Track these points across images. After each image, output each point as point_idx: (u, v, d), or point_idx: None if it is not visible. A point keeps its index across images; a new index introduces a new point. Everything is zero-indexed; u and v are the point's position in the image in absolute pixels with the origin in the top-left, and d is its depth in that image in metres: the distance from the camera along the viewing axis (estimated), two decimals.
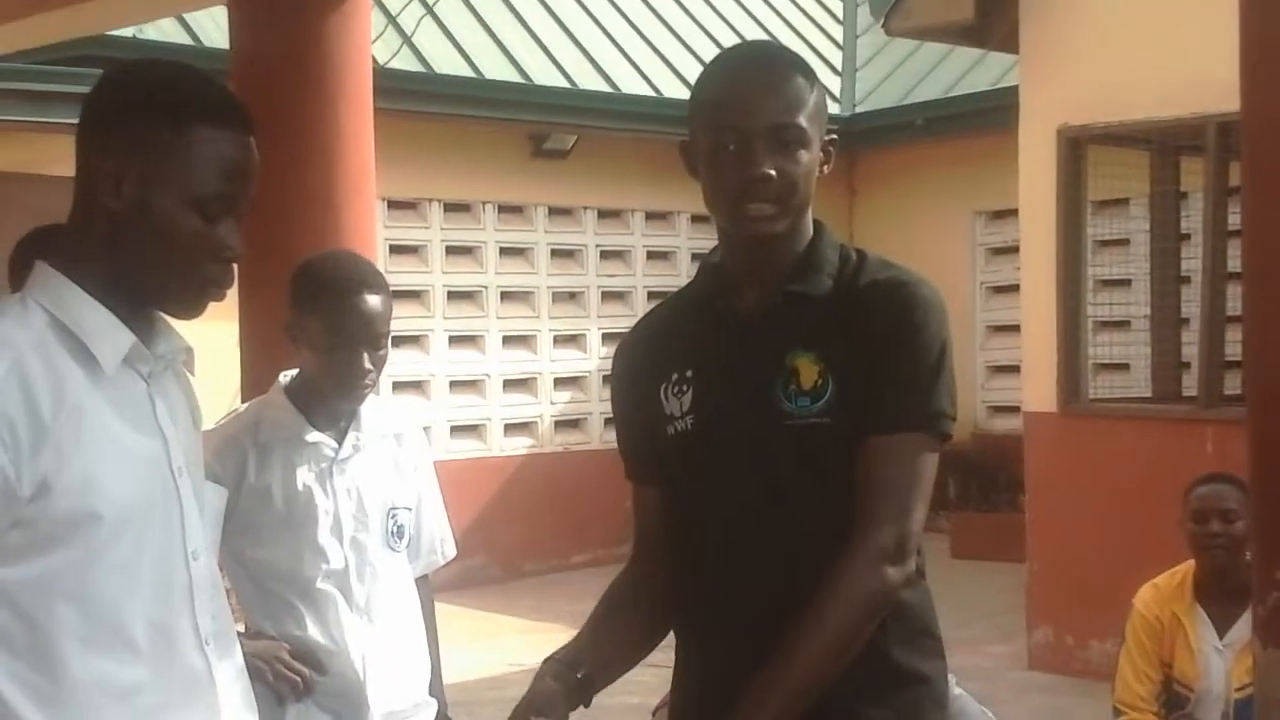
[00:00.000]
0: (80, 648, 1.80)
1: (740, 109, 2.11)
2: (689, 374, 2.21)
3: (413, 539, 3.18)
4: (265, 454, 3.03)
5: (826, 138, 2.18)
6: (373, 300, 2.97)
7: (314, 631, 3.02)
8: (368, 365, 2.98)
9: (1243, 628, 4.06)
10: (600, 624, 2.26)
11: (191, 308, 1.91)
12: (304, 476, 3.03)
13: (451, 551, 3.30)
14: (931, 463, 2.12)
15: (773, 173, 2.09)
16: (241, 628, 2.97)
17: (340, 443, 3.06)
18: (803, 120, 2.12)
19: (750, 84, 2.14)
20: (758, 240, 2.15)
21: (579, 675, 2.17)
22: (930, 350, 2.12)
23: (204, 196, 1.85)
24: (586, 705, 2.21)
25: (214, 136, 1.85)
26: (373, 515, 3.07)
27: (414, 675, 3.15)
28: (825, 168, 2.19)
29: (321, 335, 2.97)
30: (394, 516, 3.11)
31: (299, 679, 2.96)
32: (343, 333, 2.95)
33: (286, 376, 3.12)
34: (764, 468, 2.14)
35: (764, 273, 2.18)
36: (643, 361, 2.29)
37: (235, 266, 1.92)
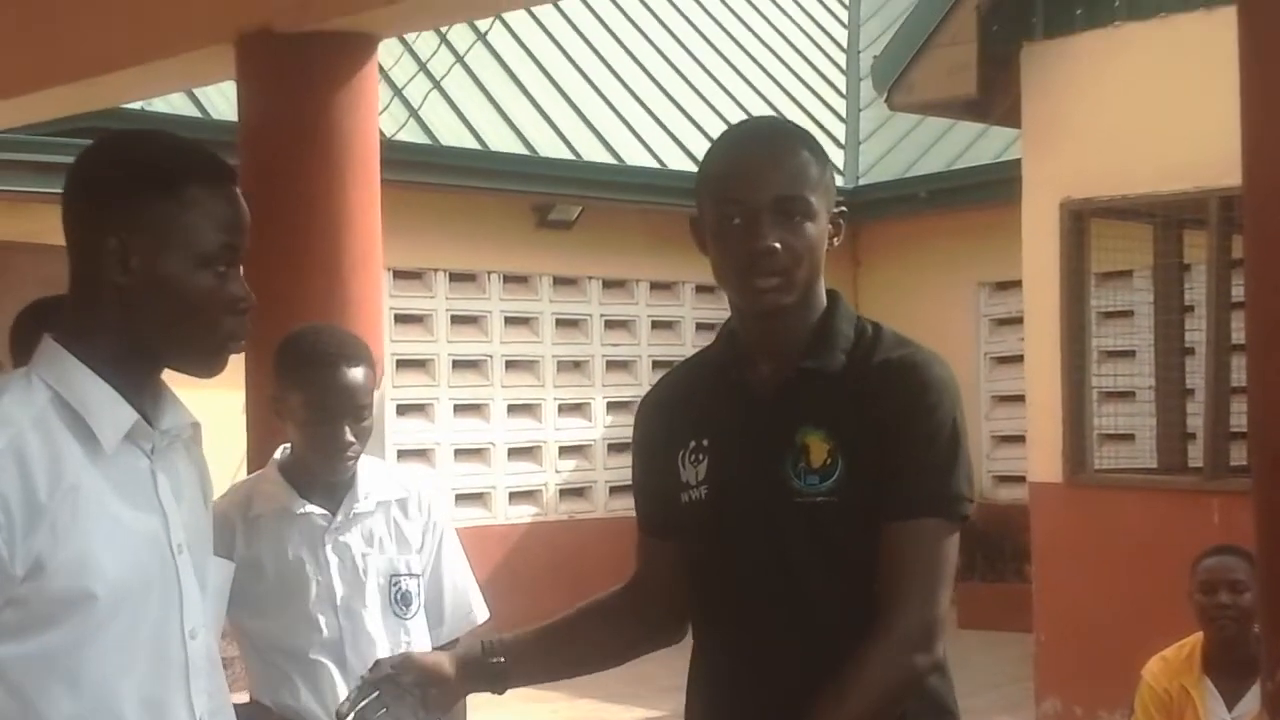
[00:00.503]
0: None
1: (745, 183, 2.13)
2: (705, 443, 2.22)
3: (432, 606, 3.16)
4: (254, 527, 3.03)
5: (835, 210, 2.18)
6: (353, 373, 2.97)
7: (309, 702, 3.00)
8: (350, 438, 2.98)
9: (1251, 701, 4.03)
10: (556, 627, 2.33)
11: (214, 365, 1.92)
12: (295, 548, 3.03)
13: (482, 615, 3.24)
14: (953, 546, 2.12)
15: (778, 245, 2.10)
16: (246, 697, 2.96)
17: (335, 512, 3.06)
18: (807, 193, 2.13)
19: (755, 158, 2.15)
20: (767, 313, 2.16)
21: (493, 661, 2.24)
22: (943, 433, 2.11)
23: (211, 253, 1.87)
24: (498, 693, 2.27)
25: (207, 194, 1.88)
26: (370, 583, 3.05)
27: None
28: (835, 240, 2.19)
29: (303, 410, 2.97)
30: (397, 584, 3.08)
31: None
32: (324, 407, 2.95)
33: (282, 451, 3.12)
34: (774, 541, 2.15)
35: (777, 345, 2.19)
36: (662, 426, 2.30)
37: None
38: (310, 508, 3.04)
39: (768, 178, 2.12)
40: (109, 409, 1.84)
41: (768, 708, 2.14)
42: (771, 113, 12.22)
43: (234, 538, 3.01)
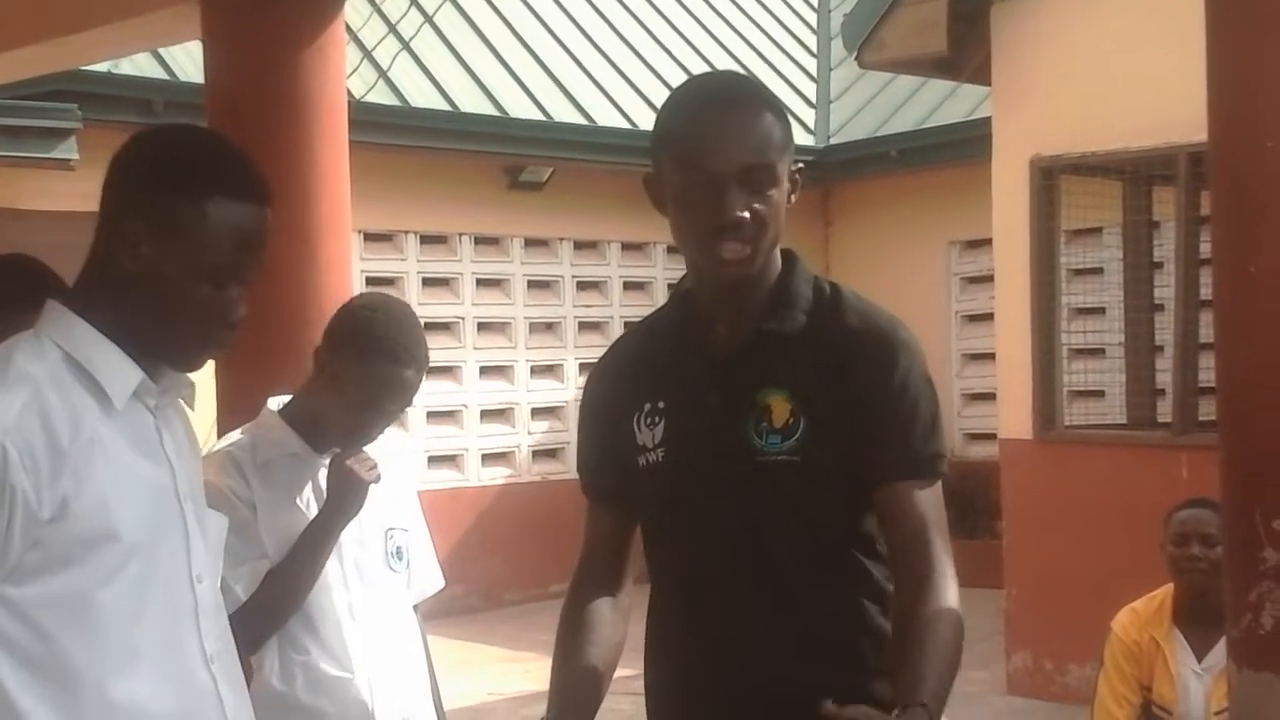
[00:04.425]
0: (97, 664, 1.89)
1: (710, 150, 2.09)
2: (661, 405, 2.22)
3: (410, 565, 3.18)
4: (265, 472, 3.01)
5: (793, 168, 2.16)
6: (411, 376, 2.98)
7: (317, 655, 2.98)
8: (382, 430, 3.04)
9: (1221, 651, 4.07)
10: (576, 674, 2.22)
11: (190, 365, 2.04)
12: (305, 496, 3.02)
13: (438, 583, 3.27)
14: (941, 499, 2.18)
15: (745, 215, 2.08)
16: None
17: None
18: (774, 159, 2.11)
19: (719, 124, 2.11)
20: (731, 283, 2.15)
21: None
22: (922, 397, 2.15)
23: (216, 266, 1.94)
24: None
25: (230, 209, 1.95)
26: (371, 535, 3.07)
27: (421, 696, 3.14)
28: (792, 197, 2.17)
29: (355, 390, 2.97)
30: (391, 536, 3.11)
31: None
32: (376, 400, 2.97)
33: (277, 402, 3.10)
34: (736, 502, 2.16)
35: (735, 307, 2.19)
36: (617, 389, 2.29)
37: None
38: (318, 458, 3.04)
39: (734, 145, 2.08)
40: (117, 368, 1.95)
41: (736, 664, 2.16)
42: (734, 69, 12.19)
43: (247, 483, 2.97)
